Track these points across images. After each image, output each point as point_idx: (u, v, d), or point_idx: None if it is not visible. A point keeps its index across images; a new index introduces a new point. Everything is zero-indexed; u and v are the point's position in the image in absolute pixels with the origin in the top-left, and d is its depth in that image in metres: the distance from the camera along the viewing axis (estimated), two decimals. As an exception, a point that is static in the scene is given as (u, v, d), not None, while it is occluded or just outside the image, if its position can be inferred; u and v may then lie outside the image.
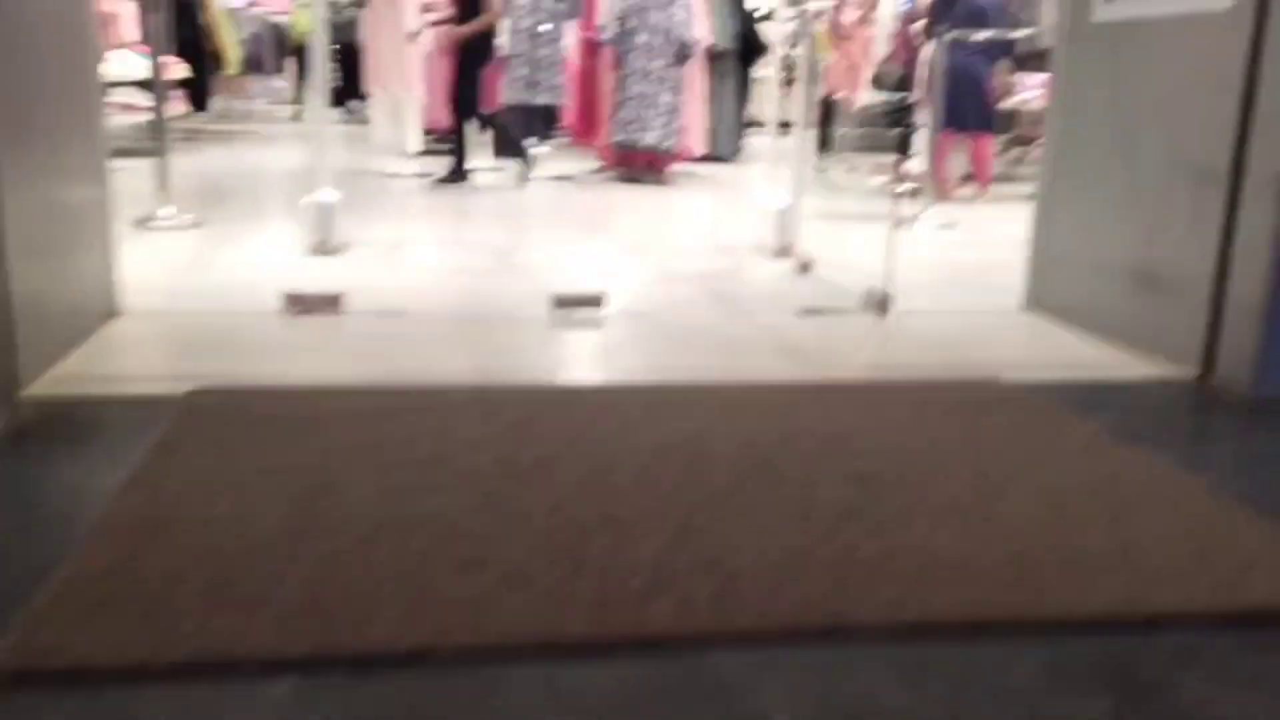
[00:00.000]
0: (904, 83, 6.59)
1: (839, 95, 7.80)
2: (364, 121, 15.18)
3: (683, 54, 7.91)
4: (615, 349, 3.19)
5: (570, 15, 8.20)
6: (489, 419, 2.40)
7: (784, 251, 4.84)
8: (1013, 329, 3.61)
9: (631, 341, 3.28)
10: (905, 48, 7.03)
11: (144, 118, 8.85)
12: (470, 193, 7.75)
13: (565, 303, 3.55)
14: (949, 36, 6.31)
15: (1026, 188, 8.02)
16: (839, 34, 9.38)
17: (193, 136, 10.87)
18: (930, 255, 5.15)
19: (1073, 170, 3.66)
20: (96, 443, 2.30)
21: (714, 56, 9.66)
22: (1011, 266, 4.77)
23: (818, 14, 9.32)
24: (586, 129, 8.72)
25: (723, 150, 10.24)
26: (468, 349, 3.12)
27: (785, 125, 14.60)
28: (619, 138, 7.88)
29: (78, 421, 2.40)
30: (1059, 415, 2.60)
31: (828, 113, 6.43)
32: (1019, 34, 6.30)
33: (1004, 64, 6.76)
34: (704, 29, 8.58)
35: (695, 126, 8.78)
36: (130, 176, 6.44)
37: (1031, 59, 7.97)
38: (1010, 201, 7.13)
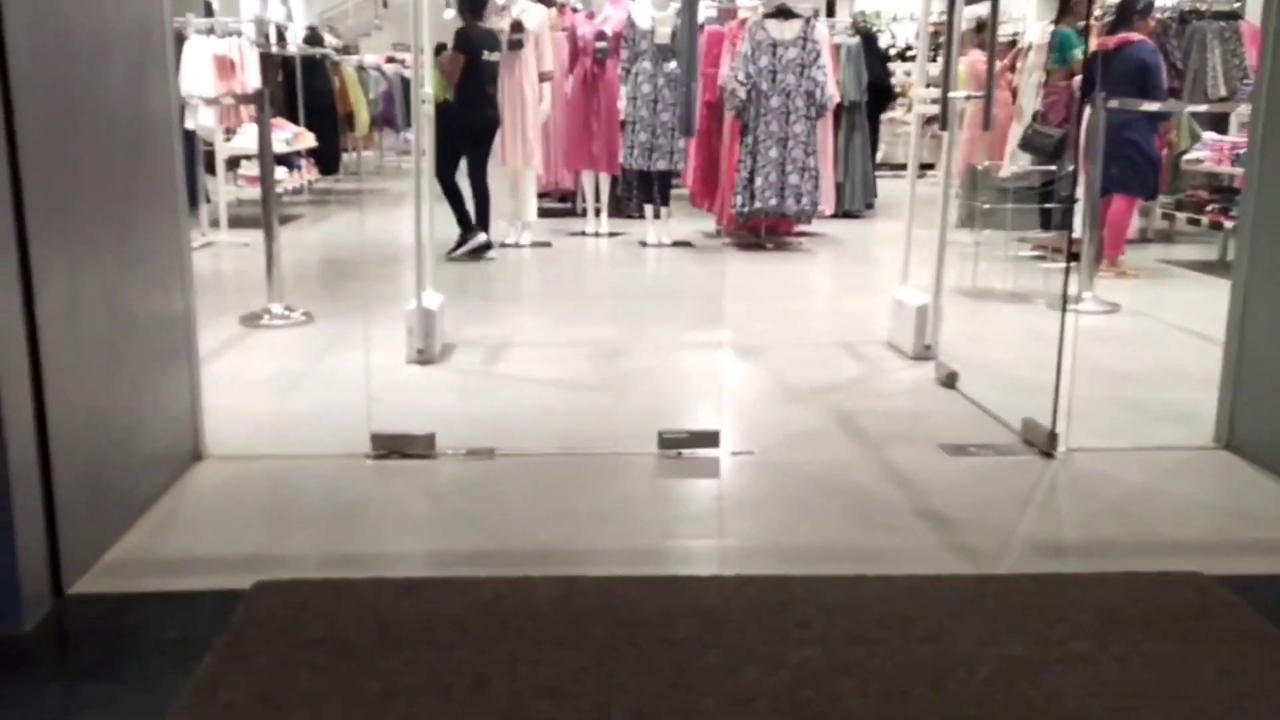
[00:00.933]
0: (1060, 147, 6.00)
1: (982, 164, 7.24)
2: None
3: (819, 114, 7.50)
4: (729, 514, 2.78)
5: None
6: (576, 635, 2.04)
7: (923, 354, 4.35)
8: (1208, 480, 3.04)
9: (748, 503, 2.86)
10: (1064, 105, 6.44)
11: (278, 187, 9.05)
12: (589, 264, 7.51)
13: (673, 442, 3.17)
14: (1110, 102, 5.72)
15: (1188, 252, 7.51)
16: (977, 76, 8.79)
17: (322, 200, 11.04)
18: (1092, 353, 4.56)
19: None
20: (136, 669, 2.03)
21: (843, 107, 9.20)
22: (1192, 371, 4.19)
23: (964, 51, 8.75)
24: (705, 190, 8.38)
25: (854, 205, 9.75)
26: (561, 508, 2.78)
27: (925, 168, 13.88)
28: (753, 206, 7.50)
29: (121, 632, 2.15)
30: (1271, 635, 2.07)
31: (971, 182, 5.88)
32: (1195, 107, 5.63)
33: (1177, 120, 6.07)
34: (834, 85, 8.13)
35: (825, 185, 8.33)
36: (252, 255, 6.44)
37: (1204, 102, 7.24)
38: (1178, 276, 6.45)
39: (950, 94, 4.02)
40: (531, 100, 7.74)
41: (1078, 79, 6.68)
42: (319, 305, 5.37)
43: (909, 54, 15.37)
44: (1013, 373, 4.18)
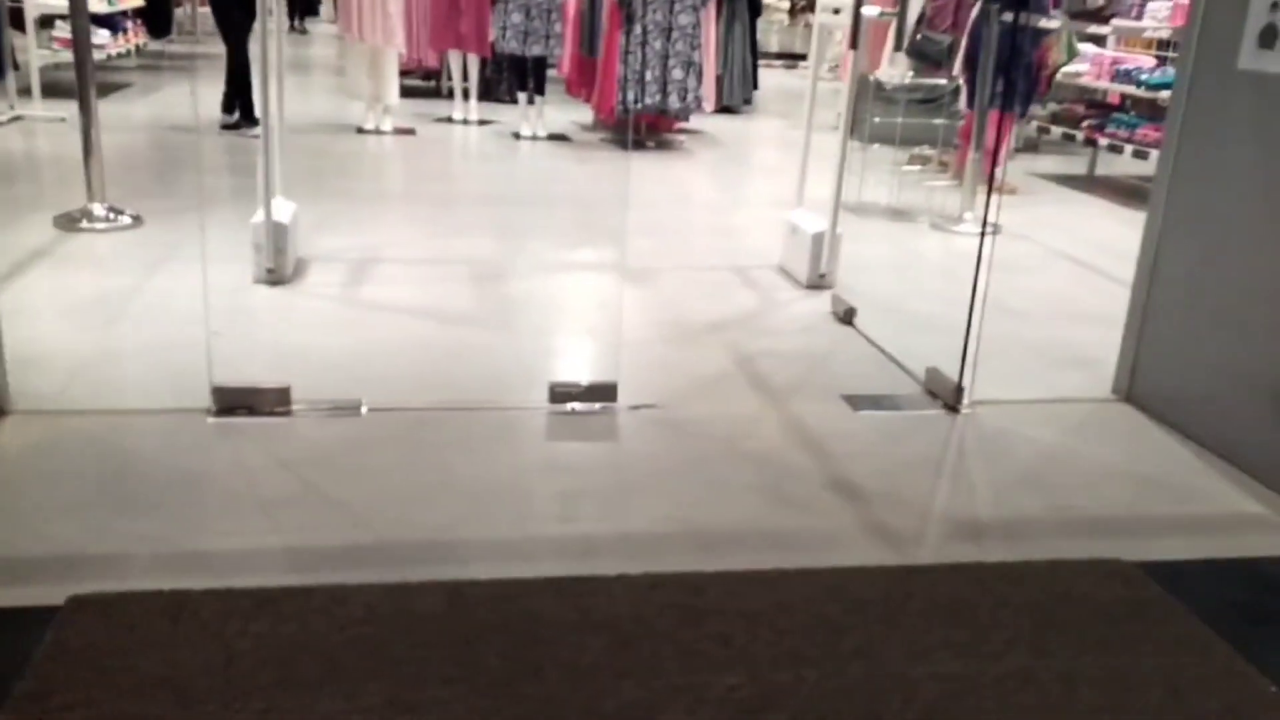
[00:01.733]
0: (948, 55, 5.80)
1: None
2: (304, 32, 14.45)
3: (703, 3, 7.06)
4: (633, 489, 2.50)
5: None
6: (467, 666, 1.76)
7: (817, 283, 4.15)
8: (1116, 439, 2.95)
9: (652, 476, 2.59)
10: (952, 10, 6.21)
11: (99, 53, 8.02)
12: (459, 157, 6.97)
13: (566, 396, 2.88)
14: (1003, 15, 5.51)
15: (1056, 164, 7.48)
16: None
17: (153, 66, 9.94)
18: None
19: (1195, 241, 2.97)
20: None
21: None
22: (1083, 307, 4.13)
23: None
24: (582, 79, 7.88)
25: (733, 100, 9.41)
26: (442, 483, 2.46)
27: (794, 58, 13.43)
28: (642, 103, 7.07)
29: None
30: (1212, 643, 1.98)
31: (859, 91, 5.62)
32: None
33: (1058, 34, 5.93)
34: (718, -29, 7.69)
35: (708, 80, 7.95)
36: (69, 133, 5.65)
37: (1081, 17, 7.15)
38: (1051, 193, 6.42)
39: (864, 7, 3.71)
40: (392, -30, 7.01)
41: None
42: (150, 203, 4.75)
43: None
44: (907, 306, 4.03)
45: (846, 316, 3.77)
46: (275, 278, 3.82)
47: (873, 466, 2.65)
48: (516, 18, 7.21)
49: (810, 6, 13.98)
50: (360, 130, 7.18)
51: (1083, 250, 5.08)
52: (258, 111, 4.14)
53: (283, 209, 3.91)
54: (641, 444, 2.73)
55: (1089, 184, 6.83)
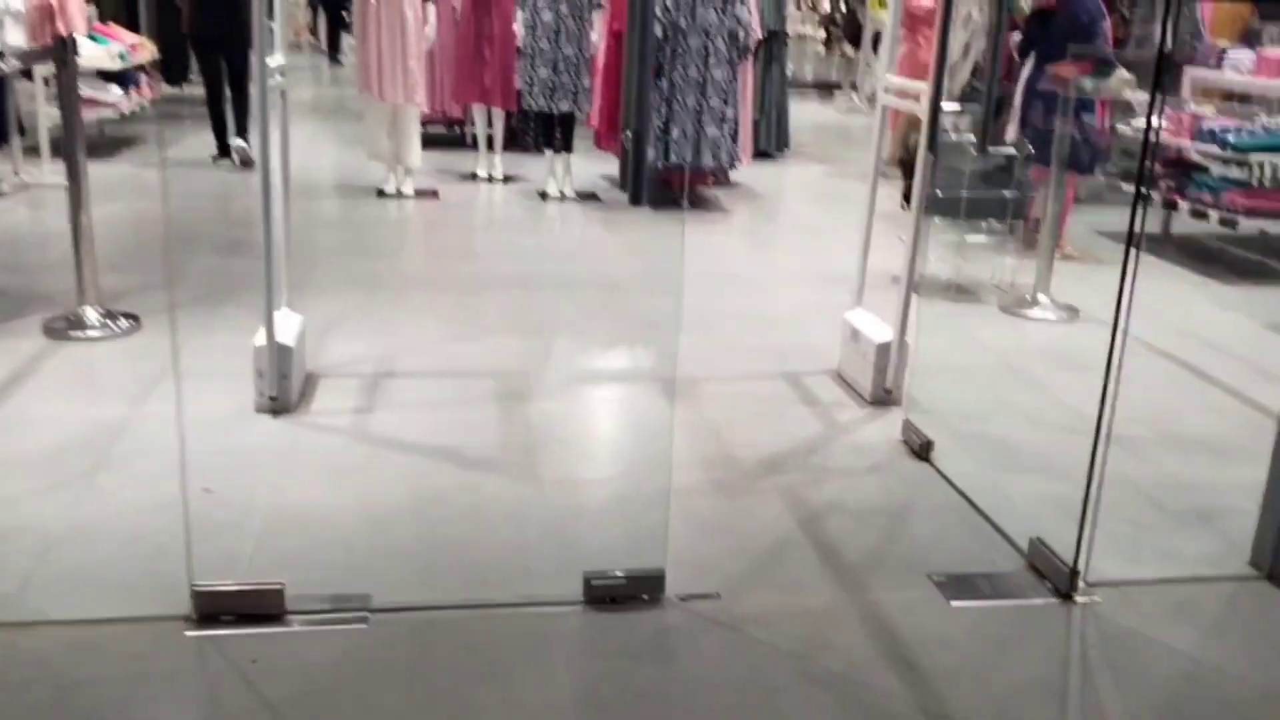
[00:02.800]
0: (999, 110, 5.34)
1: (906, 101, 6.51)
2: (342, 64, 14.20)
3: (741, 57, 6.63)
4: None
5: (595, 4, 6.89)
6: None
7: (883, 398, 3.69)
8: (1265, 642, 2.48)
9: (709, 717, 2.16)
10: (1004, 61, 5.75)
11: (110, 111, 7.72)
12: (483, 226, 6.53)
13: (604, 592, 2.44)
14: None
15: (1123, 219, 6.11)
16: (912, 13, 7.99)
17: (172, 114, 9.62)
18: (1066, 392, 3.98)
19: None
20: None
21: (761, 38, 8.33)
22: (1194, 423, 3.57)
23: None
24: (612, 132, 7.48)
25: (770, 145, 8.97)
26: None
27: (828, 87, 12.86)
28: (668, 161, 6.66)
29: None
30: None
31: (909, 163, 5.17)
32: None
33: (1114, 80, 5.43)
34: (758, 21, 7.25)
35: (744, 135, 7.52)
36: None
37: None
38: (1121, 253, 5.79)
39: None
40: (414, 23, 6.64)
41: (1016, 35, 5.98)
42: (151, 298, 4.36)
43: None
44: (991, 431, 3.57)
45: (922, 450, 3.31)
46: (279, 406, 3.41)
47: (979, 694, 2.20)
48: (544, 72, 6.81)
49: (849, 36, 13.54)
50: (380, 194, 6.80)
51: (1175, 341, 4.58)
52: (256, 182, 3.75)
53: (288, 326, 3.51)
54: (696, 662, 2.29)
55: (1164, 247, 6.31)
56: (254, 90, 3.46)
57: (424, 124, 8.83)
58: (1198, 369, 4.26)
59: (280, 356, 3.39)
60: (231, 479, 2.96)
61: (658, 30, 6.47)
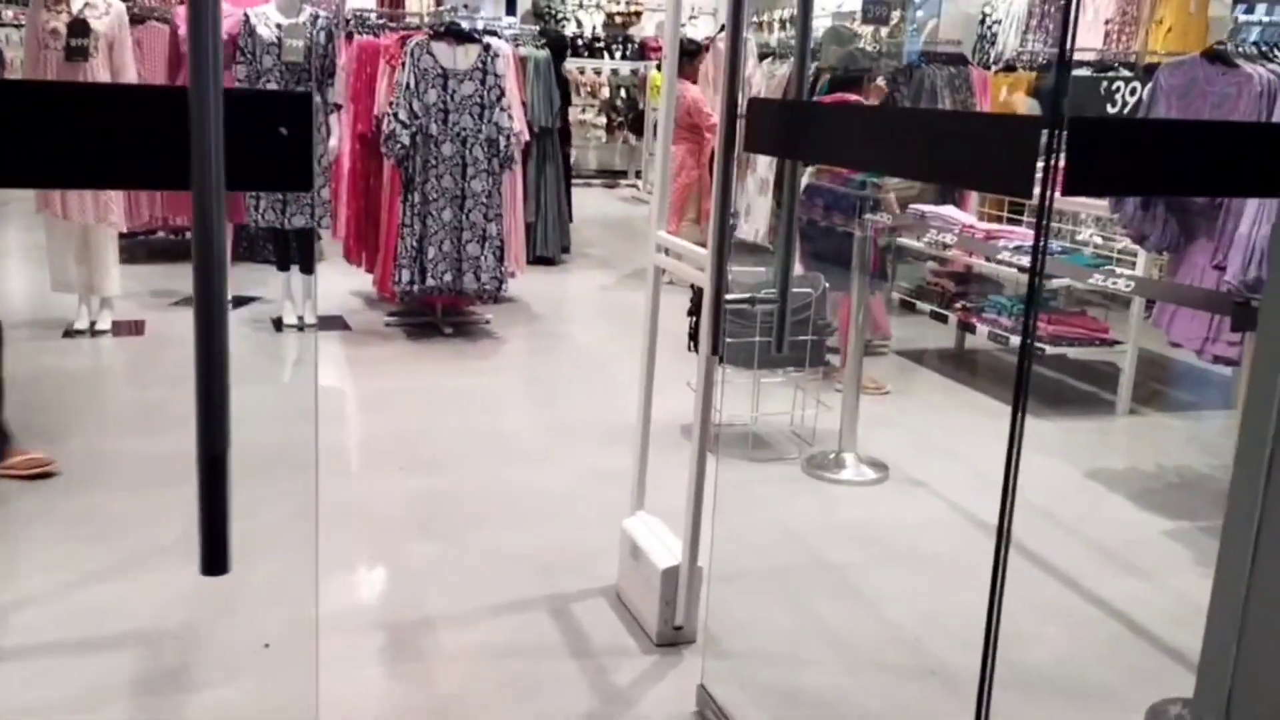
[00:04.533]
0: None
1: (685, 269, 5.93)
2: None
3: (504, 166, 5.84)
4: None
5: (331, 106, 5.97)
6: None
7: (671, 638, 2.88)
8: None
9: None
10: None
11: None
12: (183, 377, 5.34)
13: None
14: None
15: (906, 332, 5.40)
16: (697, 119, 7.47)
17: None
18: (890, 592, 3.30)
19: None
20: None
21: (533, 134, 7.62)
22: (1047, 640, 2.91)
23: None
24: (362, 244, 6.52)
25: (549, 250, 8.23)
26: None
27: (612, 175, 12.34)
28: (423, 285, 5.75)
29: None
30: None
31: (696, 301, 4.48)
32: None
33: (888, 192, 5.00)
34: (522, 122, 6.51)
35: (516, 242, 6.72)
36: None
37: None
38: (921, 378, 5.35)
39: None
40: (103, 130, 5.48)
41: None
42: None
43: (597, 44, 14.04)
44: (806, 680, 2.81)
45: (724, 732, 2.51)
46: None
47: None
48: (272, 183, 5.78)
49: (630, 125, 13.14)
50: (68, 333, 5.54)
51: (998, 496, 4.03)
52: None
53: None
54: None
55: (961, 366, 5.92)
56: None
57: (146, 232, 7.63)
58: (1031, 549, 3.69)
59: None
60: None
61: (404, 138, 5.60)
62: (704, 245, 2.58)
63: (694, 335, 4.49)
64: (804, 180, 4.96)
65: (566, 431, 4.61)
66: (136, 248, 7.73)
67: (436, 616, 3.00)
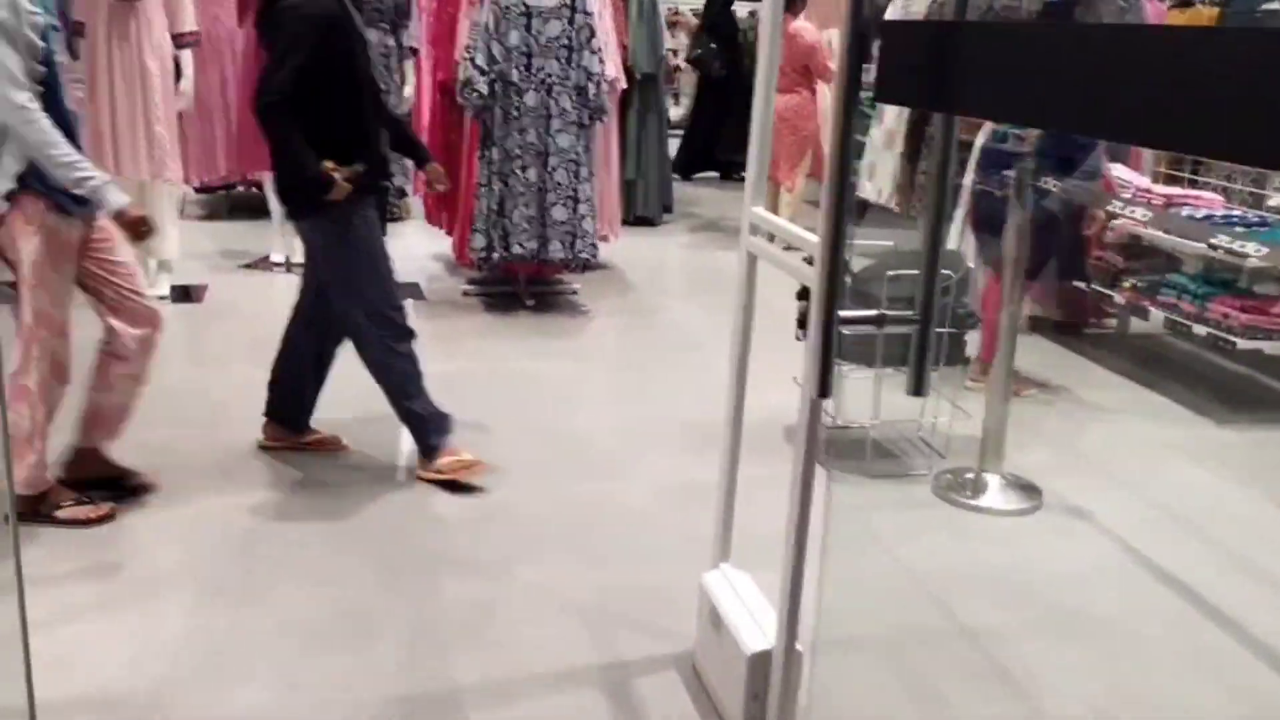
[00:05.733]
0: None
1: (789, 258, 5.09)
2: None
3: (594, 118, 5.16)
4: None
5: (407, 50, 5.36)
6: None
7: (763, 737, 2.22)
8: None
9: None
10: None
11: None
12: (241, 357, 4.82)
13: None
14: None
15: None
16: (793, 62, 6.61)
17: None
18: (1046, 676, 2.56)
19: None
20: None
21: (634, 83, 6.91)
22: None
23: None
24: (442, 207, 5.94)
25: (649, 210, 7.53)
26: None
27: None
28: (502, 253, 5.14)
29: None
30: None
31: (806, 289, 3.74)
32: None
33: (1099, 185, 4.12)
34: (616, 67, 5.79)
35: (609, 203, 6.06)
36: None
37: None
38: (1073, 368, 4.35)
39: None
40: (159, 78, 5.01)
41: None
42: None
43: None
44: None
45: None
46: None
47: None
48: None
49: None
50: (122, 298, 5.13)
51: (1184, 538, 3.22)
52: None
53: None
54: None
55: (1129, 357, 5.00)
56: None
57: (224, 188, 7.25)
58: (1230, 618, 2.86)
59: None
60: None
61: (482, 86, 4.97)
62: (811, 227, 1.85)
63: (803, 322, 3.75)
64: (980, 139, 4.08)
65: (650, 432, 3.94)
66: (218, 203, 7.36)
67: (465, 689, 2.39)
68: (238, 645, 2.52)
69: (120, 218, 2.90)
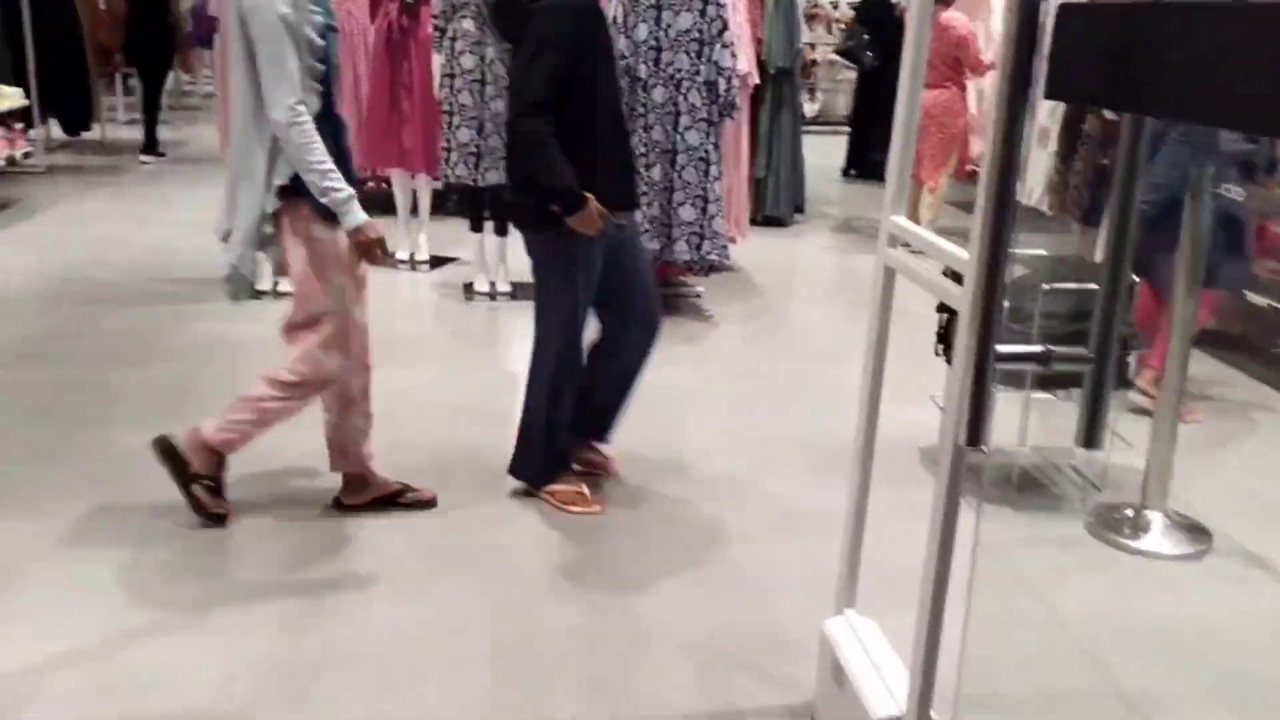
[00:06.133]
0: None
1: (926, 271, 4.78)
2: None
3: (724, 115, 4.93)
4: None
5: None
6: None
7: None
8: None
9: None
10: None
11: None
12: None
13: None
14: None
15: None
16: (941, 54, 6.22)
17: (72, 171, 8.07)
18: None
19: None
20: None
21: (767, 78, 6.63)
22: None
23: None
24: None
25: (780, 209, 7.25)
26: None
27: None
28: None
29: None
30: None
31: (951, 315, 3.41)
32: None
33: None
34: (749, 61, 5.55)
35: (738, 203, 5.82)
36: None
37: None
38: (1245, 389, 4.09)
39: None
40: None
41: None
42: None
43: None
44: None
45: None
46: None
47: None
48: (464, 134, 5.15)
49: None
50: (254, 294, 5.16)
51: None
52: None
53: None
54: None
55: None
56: None
57: (359, 183, 7.29)
58: None
59: None
60: None
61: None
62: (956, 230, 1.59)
63: (944, 337, 3.44)
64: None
65: (772, 450, 3.69)
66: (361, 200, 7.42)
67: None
68: (326, 667, 2.41)
69: (355, 234, 2.76)
